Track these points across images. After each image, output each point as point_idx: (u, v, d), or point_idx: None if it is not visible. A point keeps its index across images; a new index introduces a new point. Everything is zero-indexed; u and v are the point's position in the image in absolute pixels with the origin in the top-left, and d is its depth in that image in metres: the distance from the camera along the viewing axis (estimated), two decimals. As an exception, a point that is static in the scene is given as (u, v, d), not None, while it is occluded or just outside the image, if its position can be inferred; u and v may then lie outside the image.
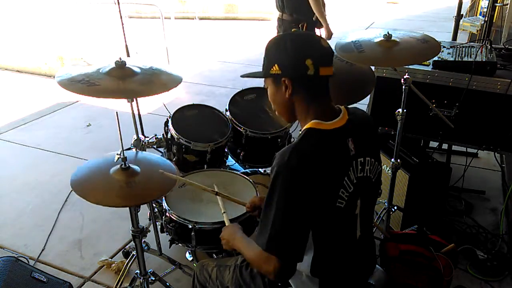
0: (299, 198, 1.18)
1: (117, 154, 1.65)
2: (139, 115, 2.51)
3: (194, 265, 2.18)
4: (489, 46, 2.71)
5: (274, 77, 1.27)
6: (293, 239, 1.21)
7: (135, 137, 2.15)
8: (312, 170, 1.18)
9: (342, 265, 1.35)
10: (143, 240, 1.99)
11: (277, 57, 1.25)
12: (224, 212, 1.79)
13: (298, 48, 1.22)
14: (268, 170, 2.62)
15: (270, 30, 9.21)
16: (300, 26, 3.51)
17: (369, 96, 2.77)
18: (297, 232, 1.21)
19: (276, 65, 1.25)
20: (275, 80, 1.28)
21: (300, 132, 1.28)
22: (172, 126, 2.34)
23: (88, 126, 4.41)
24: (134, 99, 2.11)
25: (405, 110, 2.14)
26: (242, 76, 1.43)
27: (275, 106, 1.36)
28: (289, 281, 1.38)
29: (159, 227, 2.23)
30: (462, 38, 4.61)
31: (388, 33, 1.96)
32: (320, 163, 1.20)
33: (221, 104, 2.61)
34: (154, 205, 2.24)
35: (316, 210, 1.21)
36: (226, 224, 1.71)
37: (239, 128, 2.41)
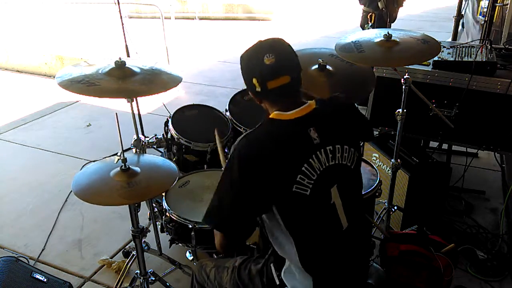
0: (242, 180, 1.24)
1: (117, 156, 1.66)
2: (139, 115, 2.51)
3: (194, 264, 2.18)
4: (489, 46, 2.71)
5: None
6: (229, 215, 1.28)
7: (135, 137, 2.15)
8: (261, 155, 1.25)
9: (332, 257, 1.35)
10: (143, 240, 1.99)
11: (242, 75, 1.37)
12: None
13: (246, 69, 1.33)
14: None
15: (270, 30, 9.24)
16: (369, 16, 4.09)
17: (369, 96, 2.77)
18: (234, 210, 1.27)
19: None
20: None
21: None
22: (172, 126, 2.34)
23: (88, 126, 4.41)
24: (134, 99, 2.11)
25: (405, 110, 2.14)
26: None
27: None
28: (284, 281, 1.39)
29: (159, 227, 2.23)
30: (462, 38, 4.60)
31: (388, 33, 1.96)
32: (270, 149, 1.25)
33: (221, 104, 2.61)
34: (154, 205, 2.24)
35: (269, 194, 1.25)
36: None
37: (239, 128, 2.41)
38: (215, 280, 1.60)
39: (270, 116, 1.33)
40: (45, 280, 2.10)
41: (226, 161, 1.31)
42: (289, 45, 1.33)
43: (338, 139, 1.31)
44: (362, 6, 4.23)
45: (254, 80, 1.29)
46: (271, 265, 1.44)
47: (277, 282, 1.41)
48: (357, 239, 1.41)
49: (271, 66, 1.26)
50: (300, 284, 1.35)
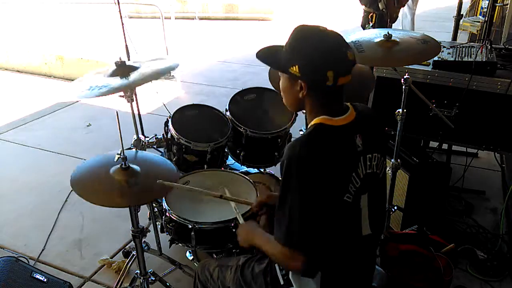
0: (312, 188, 1.19)
1: (117, 154, 1.65)
2: (139, 115, 2.51)
3: (195, 264, 2.18)
4: (489, 46, 2.71)
5: (292, 76, 1.26)
6: (312, 230, 1.21)
7: (135, 137, 2.15)
8: (322, 162, 1.19)
9: (345, 261, 1.34)
10: (143, 240, 1.99)
11: (299, 58, 1.23)
12: (236, 210, 1.78)
13: (323, 58, 1.21)
14: (268, 169, 2.62)
15: (270, 30, 9.24)
16: (370, 16, 4.05)
17: (369, 96, 2.77)
18: (315, 223, 1.21)
19: (296, 66, 1.23)
20: (291, 77, 1.28)
21: (309, 127, 1.29)
22: (172, 126, 2.34)
23: (88, 126, 4.41)
24: (134, 99, 2.11)
25: (405, 110, 2.14)
26: (257, 54, 1.34)
27: (285, 96, 1.36)
28: (290, 279, 1.37)
29: (159, 227, 2.23)
30: (462, 38, 4.60)
31: (388, 33, 1.96)
32: (328, 156, 1.21)
33: (221, 104, 2.61)
34: (154, 205, 2.24)
35: (327, 203, 1.22)
36: (241, 222, 1.70)
37: (239, 128, 2.41)
38: (218, 279, 1.60)
39: (319, 121, 1.26)
40: (45, 280, 2.10)
41: (283, 173, 1.22)
42: None
43: (375, 147, 1.31)
44: (363, 6, 4.24)
45: (330, 73, 1.20)
46: (276, 265, 1.42)
47: (282, 282, 1.39)
48: (374, 248, 1.42)
49: (351, 63, 1.23)
50: (308, 282, 1.33)
